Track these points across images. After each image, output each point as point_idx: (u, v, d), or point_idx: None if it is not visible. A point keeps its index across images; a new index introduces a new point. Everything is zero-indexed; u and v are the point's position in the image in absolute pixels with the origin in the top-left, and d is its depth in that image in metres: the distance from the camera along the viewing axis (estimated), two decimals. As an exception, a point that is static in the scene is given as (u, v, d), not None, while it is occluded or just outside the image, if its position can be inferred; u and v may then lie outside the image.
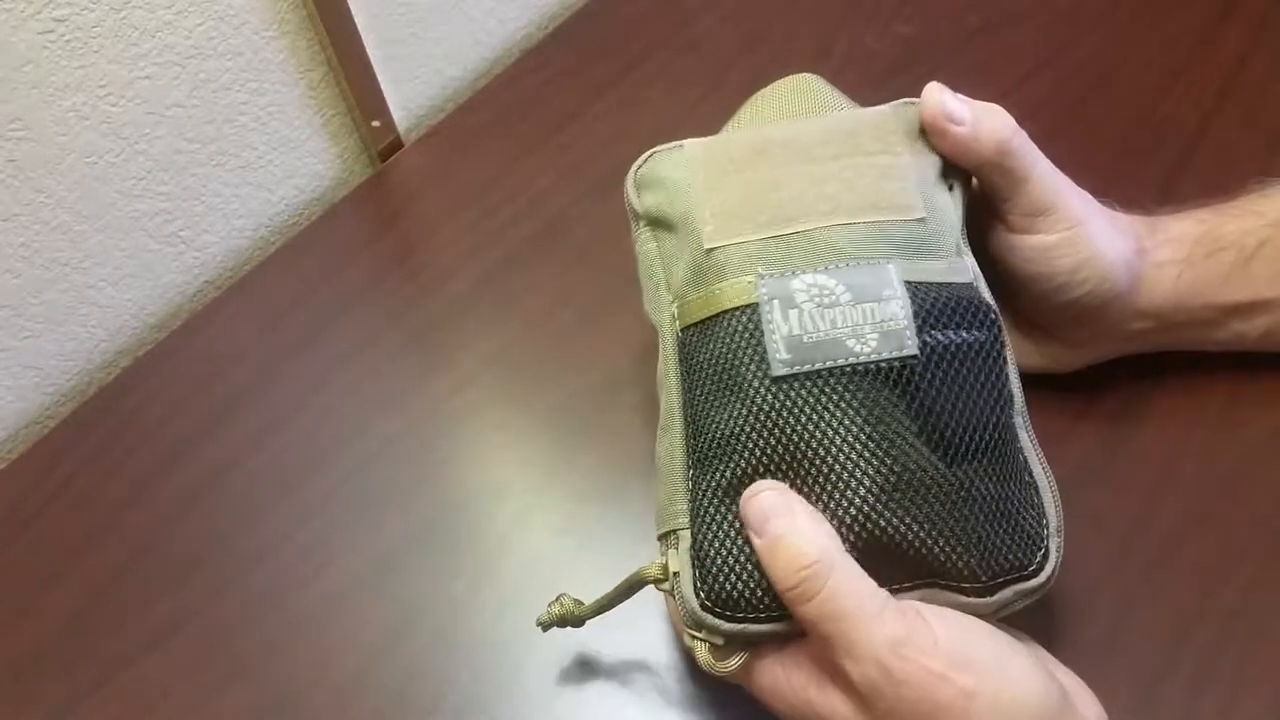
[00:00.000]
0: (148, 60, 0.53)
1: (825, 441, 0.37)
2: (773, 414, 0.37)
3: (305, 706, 0.46)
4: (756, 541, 0.37)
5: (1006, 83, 0.62)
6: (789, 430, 0.37)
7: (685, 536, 0.38)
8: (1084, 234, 0.43)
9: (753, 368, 0.38)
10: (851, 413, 0.37)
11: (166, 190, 0.58)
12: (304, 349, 0.57)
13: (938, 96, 0.42)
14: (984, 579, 0.37)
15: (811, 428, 0.37)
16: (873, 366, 0.37)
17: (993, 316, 0.39)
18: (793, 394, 0.37)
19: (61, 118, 0.51)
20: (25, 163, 0.51)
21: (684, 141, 0.44)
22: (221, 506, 0.52)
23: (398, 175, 0.64)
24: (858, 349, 0.37)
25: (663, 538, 0.40)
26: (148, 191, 0.57)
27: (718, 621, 0.37)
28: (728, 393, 0.38)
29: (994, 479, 0.38)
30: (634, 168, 0.45)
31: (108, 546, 0.51)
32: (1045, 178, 0.43)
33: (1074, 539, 0.47)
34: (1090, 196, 0.45)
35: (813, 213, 0.40)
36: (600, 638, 0.47)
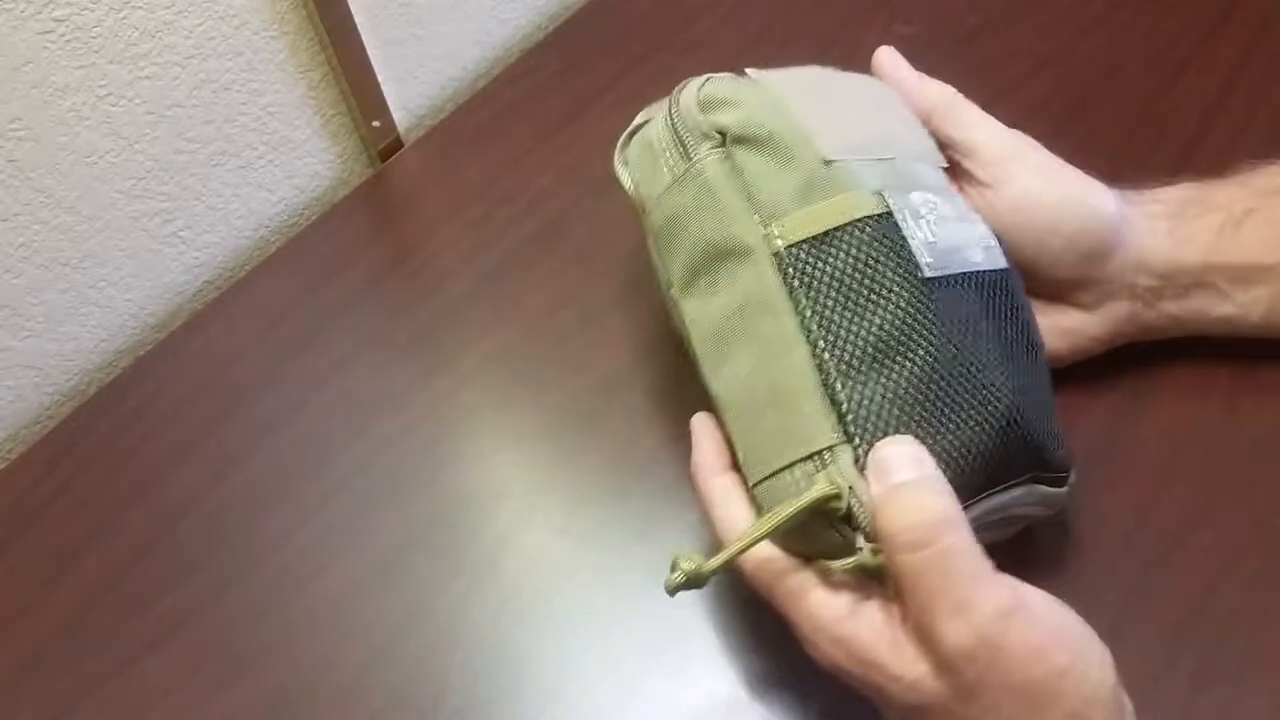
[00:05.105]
0: (148, 60, 0.53)
1: (975, 342, 0.39)
2: (930, 314, 0.38)
3: (305, 706, 0.46)
4: (875, 488, 0.36)
5: (1007, 82, 0.62)
6: (948, 329, 0.38)
7: (844, 451, 0.37)
8: (1059, 170, 0.46)
9: (901, 273, 0.38)
10: (990, 314, 0.40)
11: (166, 190, 0.58)
12: (304, 349, 0.57)
13: (889, 57, 0.48)
14: (1066, 470, 0.41)
15: (963, 329, 0.39)
16: (985, 276, 0.40)
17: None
18: (942, 296, 0.39)
19: (61, 118, 0.51)
20: (25, 163, 0.51)
21: (746, 70, 0.44)
22: (221, 506, 0.52)
23: (398, 175, 0.64)
24: (975, 259, 0.40)
25: (791, 466, 0.38)
26: (148, 191, 0.57)
27: None
28: (871, 299, 0.38)
29: (1047, 374, 0.43)
30: (693, 89, 0.42)
31: (108, 546, 0.51)
32: (1003, 129, 0.46)
33: (1074, 537, 0.47)
34: None
35: (887, 147, 0.42)
36: (600, 637, 0.47)
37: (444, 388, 0.55)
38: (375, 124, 0.64)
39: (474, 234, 0.60)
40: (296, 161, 0.63)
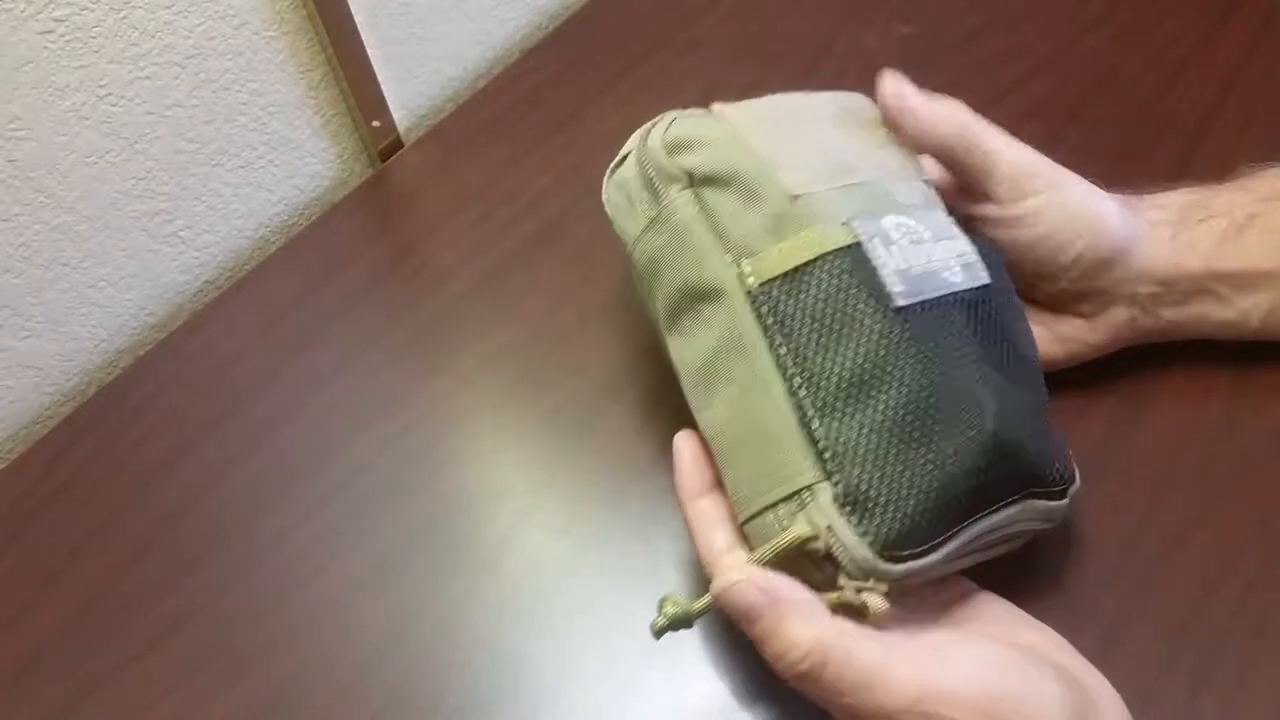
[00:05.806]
0: (148, 60, 0.53)
1: (956, 366, 0.38)
2: (905, 344, 0.38)
3: (305, 706, 0.46)
4: (752, 629, 0.37)
5: (1006, 83, 0.62)
6: (925, 357, 0.38)
7: (823, 489, 0.37)
8: (1070, 184, 0.46)
9: (872, 304, 0.38)
10: (969, 335, 0.39)
11: (166, 190, 0.58)
12: (304, 349, 0.57)
13: (893, 87, 0.45)
14: (1064, 482, 0.41)
15: (942, 354, 0.38)
16: (964, 295, 0.40)
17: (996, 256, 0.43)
18: (917, 323, 0.38)
19: (61, 118, 0.51)
20: (25, 163, 0.51)
21: (712, 106, 0.44)
22: (221, 506, 0.52)
23: (398, 175, 0.64)
24: (951, 280, 0.40)
25: (774, 506, 0.38)
26: (148, 191, 0.57)
27: (889, 566, 0.36)
28: (845, 333, 0.38)
29: (1043, 386, 0.42)
30: (659, 131, 0.43)
31: (108, 546, 0.51)
32: (1015, 145, 0.46)
33: (1075, 540, 0.47)
34: None
35: (860, 167, 0.42)
36: (600, 637, 0.47)
37: (444, 388, 0.55)
38: (375, 124, 0.64)
39: (474, 234, 0.60)
40: (296, 161, 0.63)
